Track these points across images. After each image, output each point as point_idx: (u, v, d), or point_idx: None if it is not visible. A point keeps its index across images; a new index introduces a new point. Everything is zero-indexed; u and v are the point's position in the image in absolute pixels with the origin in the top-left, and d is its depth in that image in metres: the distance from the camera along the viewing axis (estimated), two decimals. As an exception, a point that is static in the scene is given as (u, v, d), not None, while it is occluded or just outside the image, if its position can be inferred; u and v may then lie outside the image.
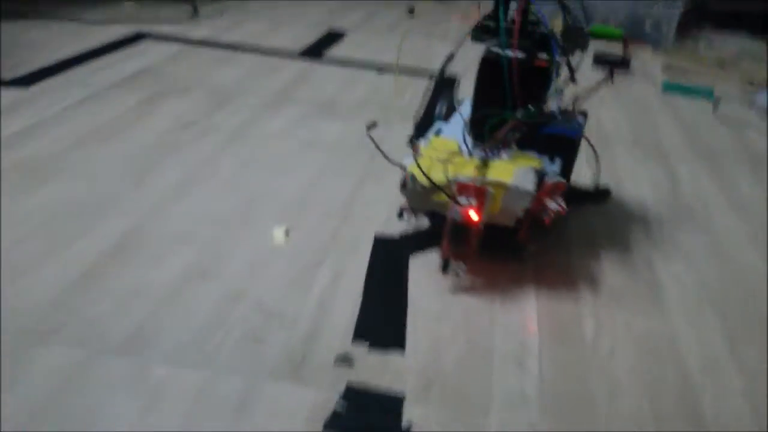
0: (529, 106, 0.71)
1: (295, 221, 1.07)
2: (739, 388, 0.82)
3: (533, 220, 0.69)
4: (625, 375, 0.82)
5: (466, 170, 0.67)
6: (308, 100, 1.61)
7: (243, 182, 1.16)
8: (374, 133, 0.88)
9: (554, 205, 0.65)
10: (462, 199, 0.64)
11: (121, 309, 0.86)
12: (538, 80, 0.72)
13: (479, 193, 0.63)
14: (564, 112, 0.78)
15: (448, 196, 0.67)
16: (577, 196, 1.06)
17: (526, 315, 0.84)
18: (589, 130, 1.06)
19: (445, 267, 0.73)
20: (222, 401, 0.73)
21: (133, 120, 1.40)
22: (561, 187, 0.66)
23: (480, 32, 0.79)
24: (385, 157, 0.81)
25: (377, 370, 0.79)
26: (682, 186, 1.35)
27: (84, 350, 0.78)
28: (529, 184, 0.64)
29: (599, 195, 1.12)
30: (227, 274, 0.94)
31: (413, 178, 0.70)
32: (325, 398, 0.75)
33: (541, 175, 0.67)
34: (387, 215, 1.08)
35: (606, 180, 1.26)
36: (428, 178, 0.69)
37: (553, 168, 0.72)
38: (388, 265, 0.97)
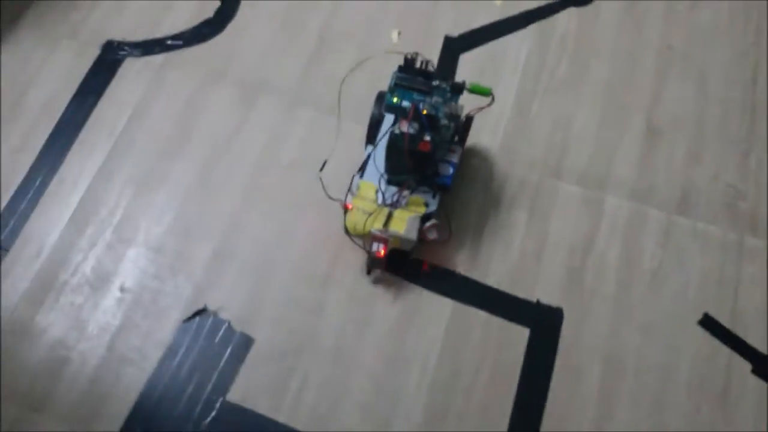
0: (411, 177, 0.99)
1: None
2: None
3: (422, 240, 0.99)
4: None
5: (378, 222, 0.99)
6: None
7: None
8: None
9: (432, 235, 0.99)
10: (374, 245, 0.98)
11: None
12: (421, 158, 0.99)
13: (384, 240, 0.98)
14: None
15: (363, 247, 1.01)
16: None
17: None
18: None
19: (368, 272, 1.05)
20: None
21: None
22: (435, 225, 0.99)
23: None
24: (328, 196, 1.02)
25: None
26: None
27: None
28: (413, 232, 0.98)
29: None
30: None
31: (345, 228, 1.01)
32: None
33: (424, 219, 1.00)
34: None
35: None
36: (348, 233, 1.00)
37: (434, 205, 1.02)
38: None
